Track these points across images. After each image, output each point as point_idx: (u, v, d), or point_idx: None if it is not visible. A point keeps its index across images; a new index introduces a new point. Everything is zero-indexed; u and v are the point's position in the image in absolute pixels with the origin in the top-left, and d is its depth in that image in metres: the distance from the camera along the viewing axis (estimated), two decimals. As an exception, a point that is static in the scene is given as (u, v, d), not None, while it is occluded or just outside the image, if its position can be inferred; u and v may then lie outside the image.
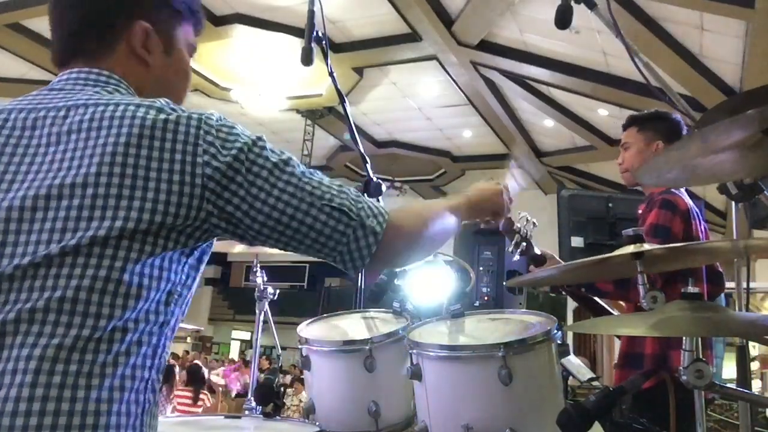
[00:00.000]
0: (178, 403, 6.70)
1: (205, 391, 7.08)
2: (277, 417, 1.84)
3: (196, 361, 9.18)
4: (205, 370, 7.97)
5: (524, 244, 1.94)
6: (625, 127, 2.47)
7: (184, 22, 1.10)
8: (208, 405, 6.87)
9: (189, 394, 6.85)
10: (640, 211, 2.38)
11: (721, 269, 2.34)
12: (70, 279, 0.81)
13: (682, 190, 2.34)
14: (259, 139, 0.94)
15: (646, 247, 1.38)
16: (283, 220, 0.92)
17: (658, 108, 2.45)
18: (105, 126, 0.88)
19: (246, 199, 0.90)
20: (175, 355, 11.48)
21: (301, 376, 8.94)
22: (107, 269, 0.83)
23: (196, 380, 7.10)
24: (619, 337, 2.63)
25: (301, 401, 7.50)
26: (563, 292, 2.42)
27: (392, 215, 0.98)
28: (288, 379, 9.48)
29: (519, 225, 1.96)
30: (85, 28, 1.01)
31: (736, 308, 2.23)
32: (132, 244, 0.84)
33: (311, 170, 0.97)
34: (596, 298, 2.37)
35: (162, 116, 0.89)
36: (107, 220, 0.83)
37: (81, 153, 0.87)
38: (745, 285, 2.12)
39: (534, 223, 1.98)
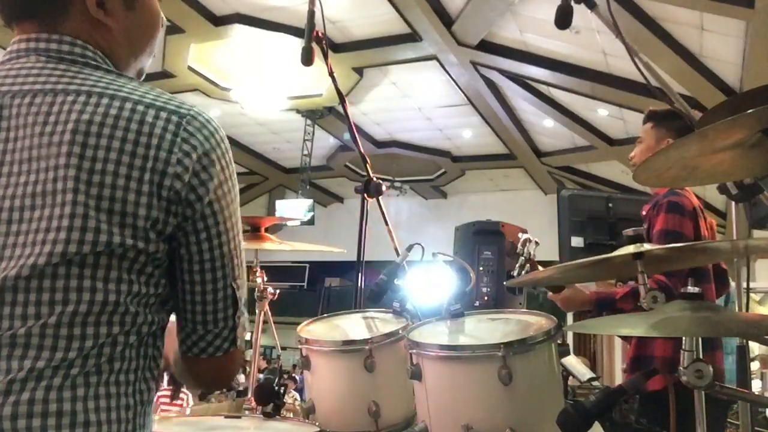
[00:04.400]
0: (161, 402, 6.75)
1: (185, 390, 7.10)
2: (277, 417, 1.84)
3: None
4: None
5: (528, 266, 1.96)
6: (644, 122, 2.45)
7: None
8: (186, 405, 6.87)
9: (167, 393, 6.88)
10: (644, 212, 2.36)
11: (725, 266, 2.34)
12: (67, 305, 0.78)
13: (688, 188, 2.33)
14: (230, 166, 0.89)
15: (646, 247, 1.38)
16: (203, 277, 0.87)
17: (652, 106, 2.44)
18: (122, 126, 0.81)
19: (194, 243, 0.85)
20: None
21: (293, 375, 8.98)
22: (103, 293, 0.79)
23: (176, 379, 7.11)
24: (626, 340, 2.62)
25: (297, 399, 7.51)
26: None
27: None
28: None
29: (521, 248, 1.97)
30: None
31: (736, 308, 2.23)
32: (121, 260, 0.80)
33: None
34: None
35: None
36: (102, 233, 0.79)
37: (79, 151, 0.79)
38: (745, 285, 2.12)
39: (536, 243, 1.99)
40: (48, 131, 0.80)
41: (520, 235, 2.03)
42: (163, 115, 0.83)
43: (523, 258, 1.95)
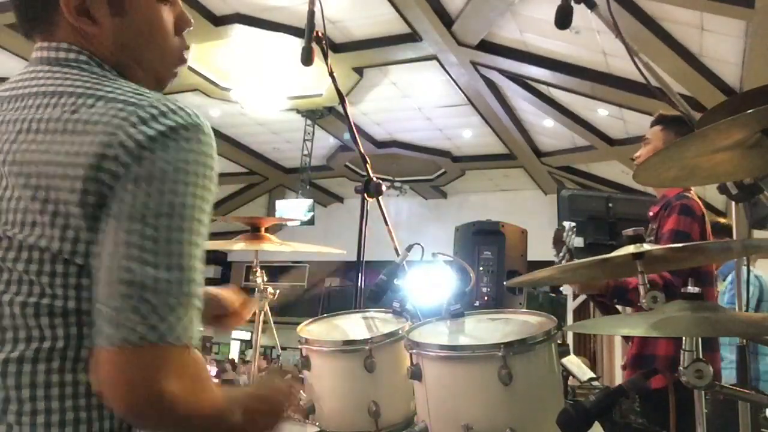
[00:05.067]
0: None
1: None
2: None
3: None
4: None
5: (568, 255, 2.00)
6: (652, 124, 2.49)
7: None
8: None
9: None
10: (651, 213, 2.39)
11: (713, 269, 2.37)
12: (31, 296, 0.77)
13: (692, 190, 2.36)
14: None
15: (646, 247, 1.38)
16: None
17: (662, 110, 2.47)
18: (72, 119, 0.79)
19: None
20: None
21: (300, 375, 8.92)
22: (62, 299, 0.78)
23: None
24: (627, 340, 2.64)
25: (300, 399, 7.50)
26: (593, 301, 2.41)
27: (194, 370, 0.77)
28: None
29: (566, 236, 2.02)
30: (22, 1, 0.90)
31: (736, 308, 2.24)
32: (67, 265, 0.78)
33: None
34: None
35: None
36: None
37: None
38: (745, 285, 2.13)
39: (574, 230, 2.04)
40: (8, 130, 0.82)
41: (564, 223, 2.07)
42: (118, 106, 0.79)
43: (566, 247, 1.99)
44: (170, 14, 0.96)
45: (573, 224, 2.05)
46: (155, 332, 0.74)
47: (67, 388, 0.77)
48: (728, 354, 3.16)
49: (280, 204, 12.92)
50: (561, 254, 2.02)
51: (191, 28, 1.00)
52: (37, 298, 0.77)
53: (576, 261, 2.00)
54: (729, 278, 3.45)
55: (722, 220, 3.68)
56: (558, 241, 2.01)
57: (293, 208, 12.51)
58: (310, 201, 12.38)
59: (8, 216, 0.79)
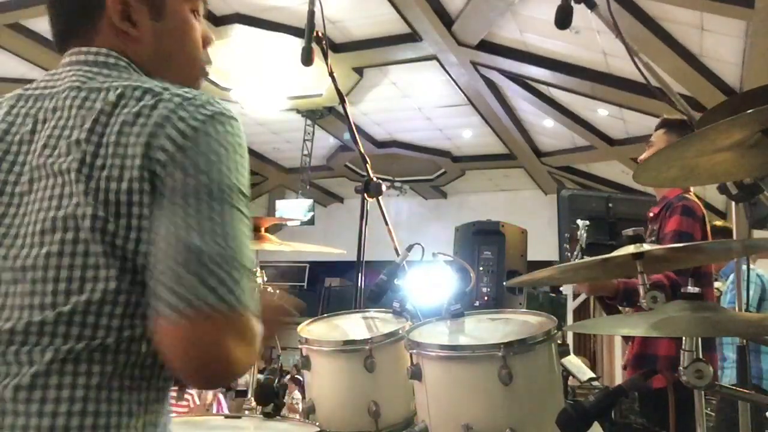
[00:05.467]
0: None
1: (191, 391, 7.11)
2: (277, 417, 1.84)
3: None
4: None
5: (580, 253, 2.03)
6: (656, 128, 2.53)
7: None
8: (192, 405, 6.89)
9: (173, 394, 6.91)
10: (651, 214, 2.40)
11: (711, 270, 2.38)
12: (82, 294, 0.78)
13: (692, 191, 2.37)
14: None
15: (646, 247, 1.38)
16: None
17: (666, 113, 2.49)
18: (123, 113, 0.83)
19: None
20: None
21: (296, 375, 8.94)
22: (116, 281, 0.79)
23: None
24: (627, 340, 2.64)
25: (293, 399, 7.51)
26: (601, 304, 2.41)
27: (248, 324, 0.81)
28: (287, 379, 9.45)
29: (579, 234, 2.05)
30: (65, 7, 0.95)
31: (736, 308, 2.24)
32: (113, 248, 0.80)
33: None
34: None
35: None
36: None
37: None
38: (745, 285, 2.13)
39: (586, 228, 2.07)
40: (60, 124, 0.84)
41: (579, 221, 2.10)
42: (166, 97, 0.83)
43: (580, 245, 2.02)
44: (198, 26, 1.03)
45: (587, 222, 2.07)
46: (224, 303, 0.78)
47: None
48: (731, 354, 3.16)
49: (280, 204, 12.91)
50: (575, 253, 2.04)
51: (212, 45, 1.07)
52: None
53: (575, 261, 2.01)
54: (731, 277, 3.45)
55: (719, 222, 3.69)
56: (574, 240, 2.05)
57: (293, 208, 12.51)
58: (310, 201, 12.37)
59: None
